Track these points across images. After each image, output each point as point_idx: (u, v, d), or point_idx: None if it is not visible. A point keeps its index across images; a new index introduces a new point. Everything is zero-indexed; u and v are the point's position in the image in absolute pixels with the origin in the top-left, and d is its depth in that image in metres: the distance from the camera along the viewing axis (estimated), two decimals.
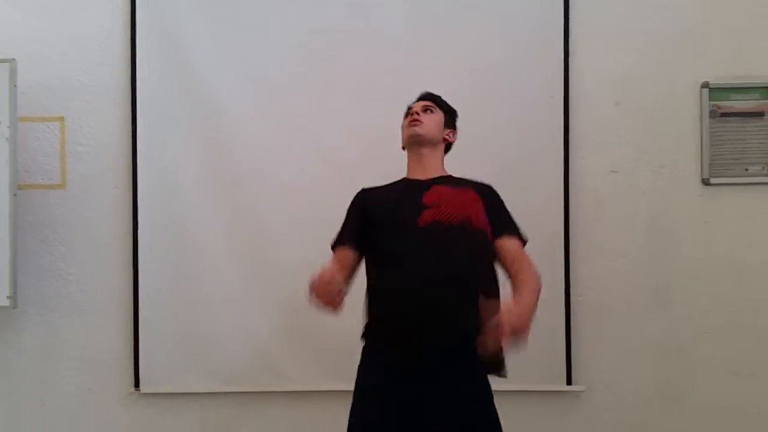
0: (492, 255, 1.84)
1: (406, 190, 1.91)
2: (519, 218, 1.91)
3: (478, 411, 1.75)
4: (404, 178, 1.98)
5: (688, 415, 2.62)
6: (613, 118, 2.63)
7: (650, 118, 2.63)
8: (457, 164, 2.01)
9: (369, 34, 2.62)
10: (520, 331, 1.57)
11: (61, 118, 2.66)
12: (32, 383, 2.66)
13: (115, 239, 2.65)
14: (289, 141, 2.59)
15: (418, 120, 1.93)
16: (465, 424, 1.73)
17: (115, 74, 2.65)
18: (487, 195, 1.89)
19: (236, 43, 2.62)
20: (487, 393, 1.80)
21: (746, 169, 2.63)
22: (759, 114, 2.62)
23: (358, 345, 2.61)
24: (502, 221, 1.87)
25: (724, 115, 2.63)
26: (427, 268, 1.77)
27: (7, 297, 2.45)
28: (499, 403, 1.79)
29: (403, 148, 2.01)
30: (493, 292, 1.79)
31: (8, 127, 2.45)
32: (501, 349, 1.60)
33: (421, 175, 1.94)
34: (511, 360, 1.77)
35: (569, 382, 2.59)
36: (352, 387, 2.55)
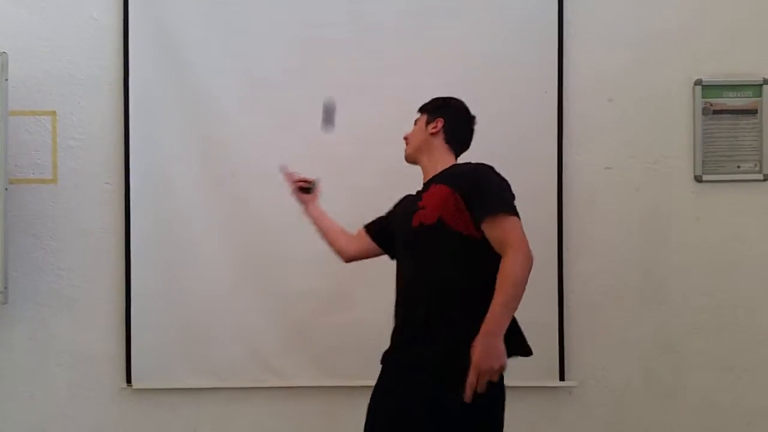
0: (473, 252, 1.71)
1: (417, 194, 1.91)
2: None
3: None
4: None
5: (680, 410, 2.63)
6: (606, 114, 2.64)
7: (643, 114, 2.64)
8: None
9: (363, 28, 2.61)
10: (483, 374, 1.55)
11: (53, 113, 2.64)
12: (23, 379, 2.64)
13: (106, 234, 2.63)
14: (282, 136, 2.57)
15: (405, 141, 1.97)
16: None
17: (108, 68, 2.63)
18: (463, 183, 1.74)
19: (230, 37, 2.61)
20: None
21: (738, 167, 2.64)
22: (751, 111, 2.63)
23: (351, 341, 2.61)
24: (481, 202, 1.70)
25: (717, 112, 2.63)
26: (407, 272, 1.82)
27: None
28: None
29: None
30: (473, 293, 1.67)
31: None
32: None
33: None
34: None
35: (562, 378, 2.60)
36: (345, 383, 2.55)
